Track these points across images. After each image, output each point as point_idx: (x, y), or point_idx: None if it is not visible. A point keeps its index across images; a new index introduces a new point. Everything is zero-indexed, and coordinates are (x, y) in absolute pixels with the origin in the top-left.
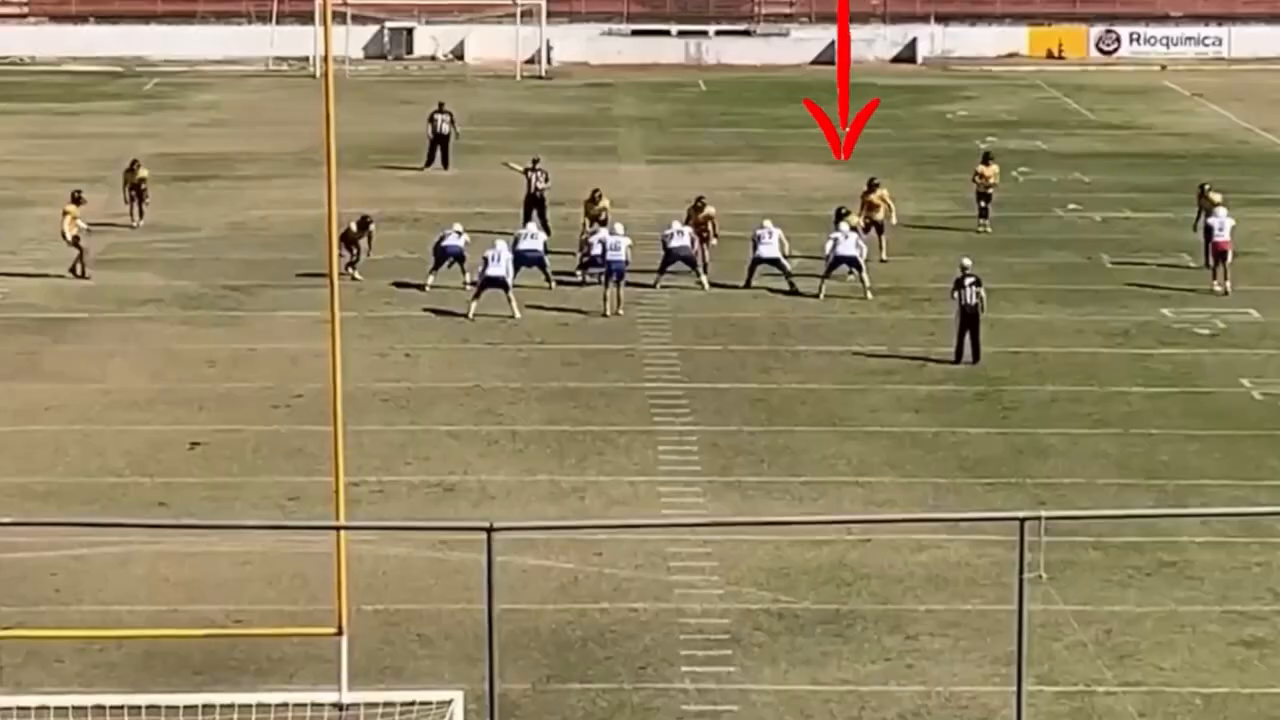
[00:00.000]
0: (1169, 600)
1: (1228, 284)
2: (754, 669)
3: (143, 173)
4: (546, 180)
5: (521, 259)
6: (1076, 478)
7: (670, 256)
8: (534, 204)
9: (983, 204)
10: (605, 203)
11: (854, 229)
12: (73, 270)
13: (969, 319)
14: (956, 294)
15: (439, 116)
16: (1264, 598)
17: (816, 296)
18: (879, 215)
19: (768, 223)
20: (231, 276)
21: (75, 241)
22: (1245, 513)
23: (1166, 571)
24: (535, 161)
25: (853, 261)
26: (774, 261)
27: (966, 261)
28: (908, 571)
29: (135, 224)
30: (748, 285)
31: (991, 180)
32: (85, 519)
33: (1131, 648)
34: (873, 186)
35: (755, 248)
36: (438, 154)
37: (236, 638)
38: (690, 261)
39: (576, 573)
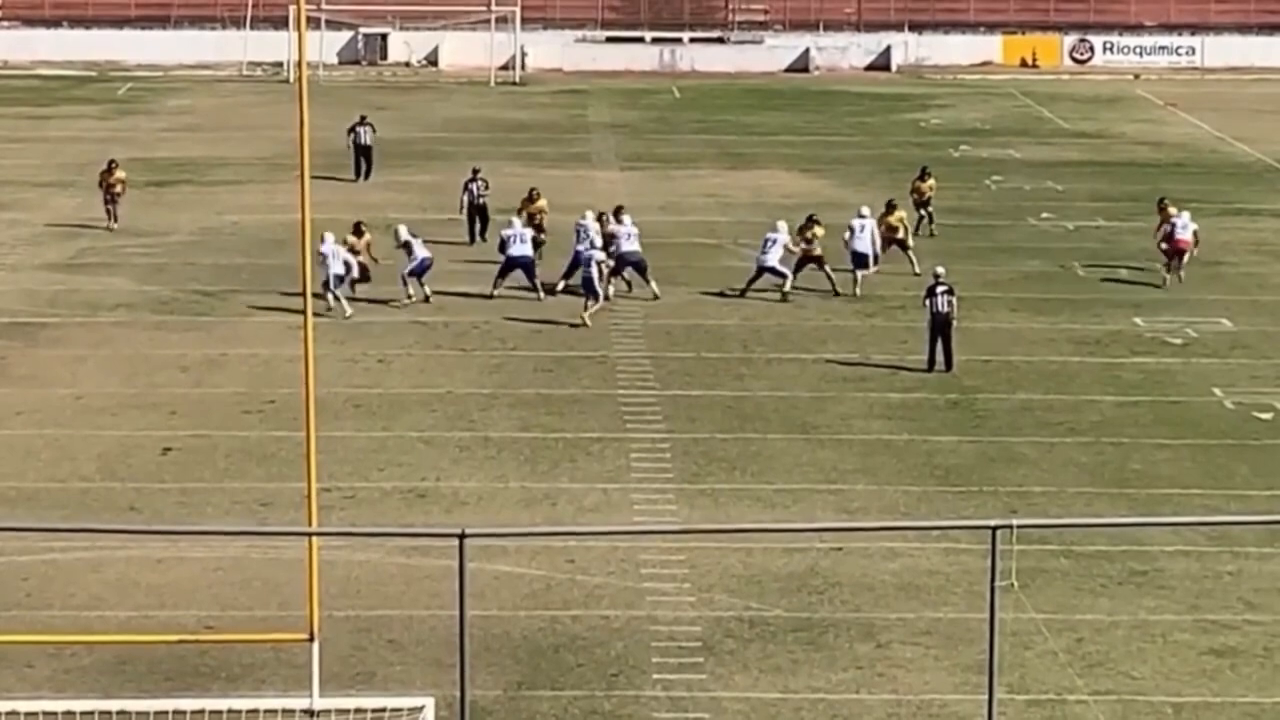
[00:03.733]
0: (1140, 609)
1: (1181, 273)
2: (725, 676)
3: (119, 174)
4: (487, 188)
5: (510, 264)
6: (1048, 486)
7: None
8: (476, 212)
9: (921, 211)
10: (543, 203)
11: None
12: None
13: (941, 326)
14: (928, 301)
15: (361, 129)
16: (1234, 607)
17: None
18: (899, 235)
19: (781, 224)
20: (203, 281)
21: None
22: (1216, 521)
23: (1137, 580)
24: (476, 172)
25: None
26: (773, 270)
27: (940, 269)
28: (879, 579)
29: (111, 226)
30: (743, 294)
31: (928, 194)
32: (56, 524)
33: (1102, 656)
34: (890, 208)
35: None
36: (362, 164)
37: (208, 643)
38: (640, 267)
39: (548, 579)
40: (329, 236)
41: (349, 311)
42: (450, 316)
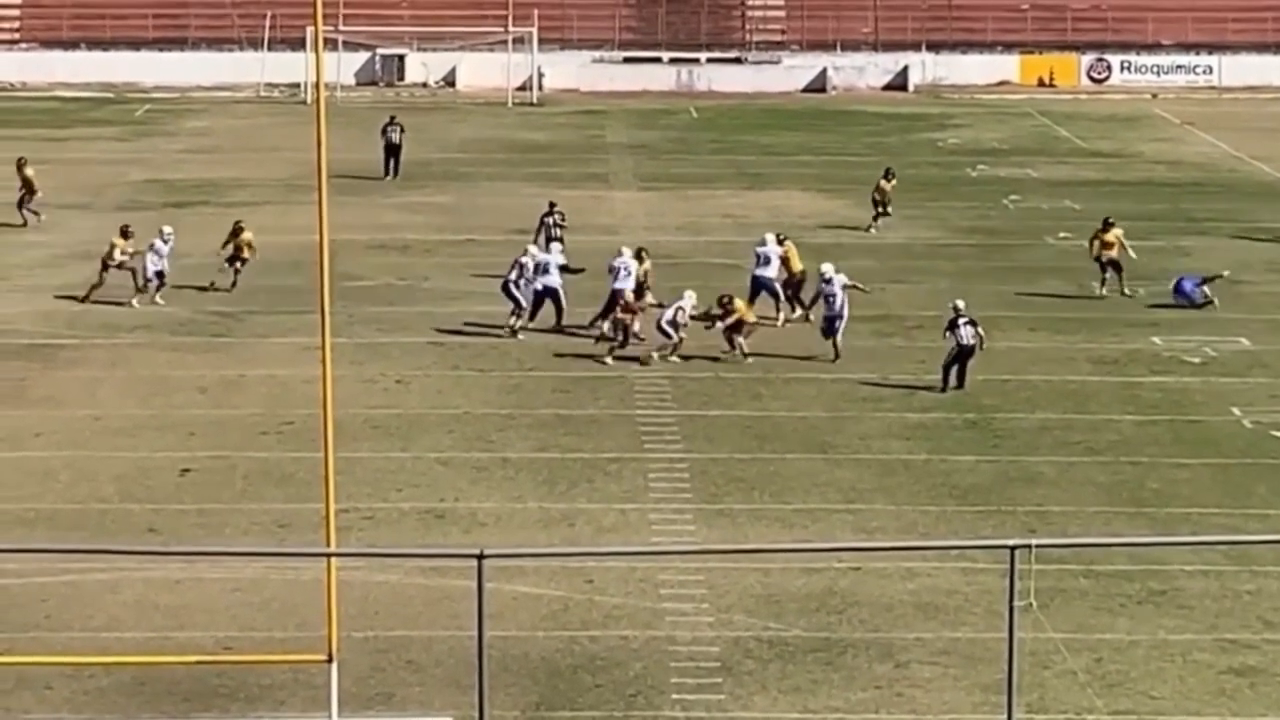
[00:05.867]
0: (1159, 628)
1: (1124, 288)
2: (744, 697)
3: (247, 235)
4: (564, 220)
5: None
6: (1066, 505)
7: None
8: (550, 241)
9: (877, 210)
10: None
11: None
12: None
13: (963, 355)
14: (950, 334)
15: (391, 129)
16: (1254, 626)
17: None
18: (1113, 253)
19: (769, 237)
20: (221, 302)
21: (110, 268)
22: (1235, 541)
23: (1157, 599)
24: (553, 206)
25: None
26: (767, 285)
27: (959, 303)
28: (898, 599)
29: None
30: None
31: (889, 196)
32: (75, 545)
33: (1122, 676)
34: (1107, 226)
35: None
36: (391, 163)
37: (226, 664)
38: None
39: (567, 600)
40: (167, 229)
41: (160, 301)
42: (467, 337)
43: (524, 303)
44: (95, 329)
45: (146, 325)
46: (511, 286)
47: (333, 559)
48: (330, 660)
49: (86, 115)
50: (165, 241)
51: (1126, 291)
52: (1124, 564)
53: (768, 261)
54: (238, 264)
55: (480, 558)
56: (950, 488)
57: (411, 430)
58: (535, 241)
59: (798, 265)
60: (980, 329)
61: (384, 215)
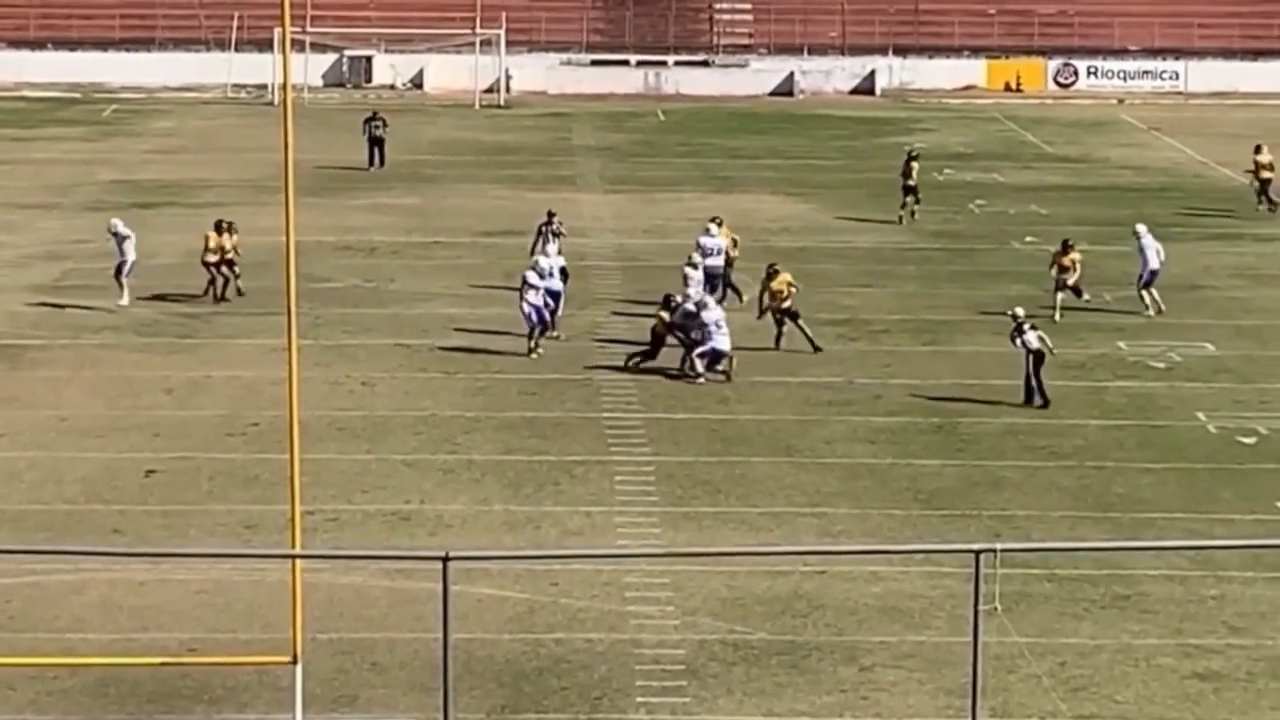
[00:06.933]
0: (1123, 633)
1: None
2: (709, 700)
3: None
4: (561, 225)
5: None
6: (1031, 510)
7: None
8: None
9: (906, 199)
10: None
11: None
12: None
13: (1037, 363)
14: (1019, 340)
15: (374, 123)
16: (1218, 631)
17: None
18: (1068, 278)
19: (713, 227)
20: (188, 303)
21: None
22: (1199, 545)
23: (1121, 604)
24: (551, 216)
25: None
26: (720, 276)
27: (1019, 310)
28: (863, 603)
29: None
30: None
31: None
32: (39, 546)
33: (1086, 680)
34: (1066, 248)
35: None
36: (376, 155)
37: (191, 665)
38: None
39: (532, 602)
40: (118, 222)
41: (125, 301)
42: (435, 339)
43: (535, 319)
44: (61, 329)
45: (113, 326)
46: (526, 306)
47: (298, 561)
48: (295, 662)
49: (53, 115)
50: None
51: (1087, 297)
52: (1089, 569)
53: (718, 252)
54: (234, 270)
55: (445, 560)
56: (915, 492)
57: (377, 432)
58: (534, 252)
59: (734, 251)
60: (1041, 333)
61: (351, 217)
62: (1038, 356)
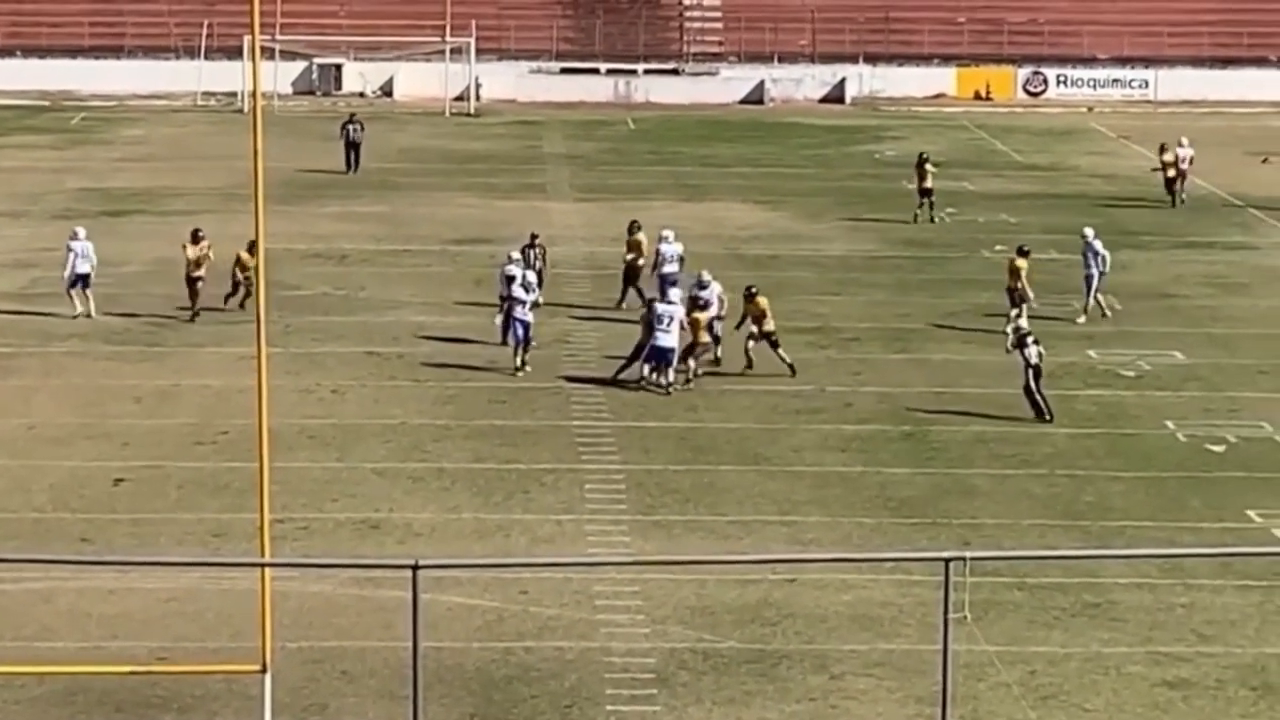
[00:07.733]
0: (1093, 641)
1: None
2: (679, 708)
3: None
4: (544, 254)
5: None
6: (1001, 518)
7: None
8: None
9: (922, 201)
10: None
11: None
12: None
13: (1037, 376)
14: (1020, 353)
15: (350, 126)
16: (1187, 639)
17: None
18: (1015, 284)
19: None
20: (157, 312)
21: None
22: (1169, 554)
23: (1090, 612)
24: (534, 237)
25: None
26: (675, 283)
27: (1022, 323)
28: (832, 611)
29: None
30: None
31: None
32: (8, 555)
33: (1055, 688)
34: (1023, 253)
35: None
36: (352, 158)
37: (160, 674)
38: None
39: (502, 611)
40: (80, 232)
41: (79, 310)
42: (405, 348)
43: (521, 334)
44: (29, 337)
45: (81, 334)
46: (515, 322)
47: (267, 569)
48: (264, 670)
49: (22, 123)
50: (74, 239)
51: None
52: (1058, 577)
53: (675, 259)
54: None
55: (415, 568)
56: (885, 500)
57: (347, 440)
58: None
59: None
60: (1040, 346)
61: (321, 225)
62: (1036, 370)
